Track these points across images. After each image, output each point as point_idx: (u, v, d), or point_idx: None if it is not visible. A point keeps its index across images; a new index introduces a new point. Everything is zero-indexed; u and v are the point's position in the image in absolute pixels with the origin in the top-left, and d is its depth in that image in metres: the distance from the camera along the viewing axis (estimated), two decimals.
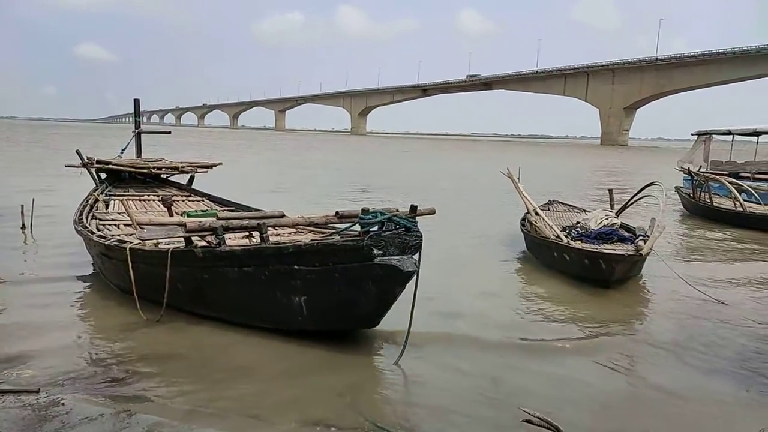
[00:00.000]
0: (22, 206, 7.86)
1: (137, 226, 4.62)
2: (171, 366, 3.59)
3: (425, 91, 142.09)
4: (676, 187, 13.42)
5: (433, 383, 3.48)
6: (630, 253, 5.58)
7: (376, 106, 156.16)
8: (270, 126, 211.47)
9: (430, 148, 61.84)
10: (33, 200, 8.00)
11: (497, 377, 3.60)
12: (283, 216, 4.44)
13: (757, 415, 3.20)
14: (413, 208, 3.84)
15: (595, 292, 5.55)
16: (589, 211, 7.86)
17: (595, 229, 6.46)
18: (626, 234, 6.30)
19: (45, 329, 4.17)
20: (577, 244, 5.99)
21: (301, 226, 5.10)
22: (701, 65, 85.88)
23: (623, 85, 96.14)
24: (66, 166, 7.51)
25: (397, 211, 3.86)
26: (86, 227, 5.52)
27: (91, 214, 6.37)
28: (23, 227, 7.73)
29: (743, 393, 3.47)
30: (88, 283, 5.44)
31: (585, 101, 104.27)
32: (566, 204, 9.10)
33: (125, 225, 5.97)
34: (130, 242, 4.61)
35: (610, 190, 8.12)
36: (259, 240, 4.01)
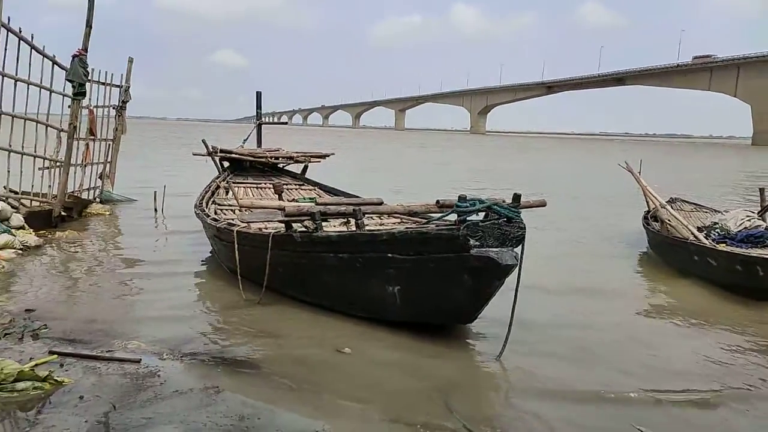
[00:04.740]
0: (155, 192, 8.56)
1: (240, 209, 4.74)
2: (265, 346, 3.57)
3: (550, 88, 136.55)
4: None
5: (531, 389, 3.12)
6: None
7: (497, 105, 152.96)
8: (390, 125, 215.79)
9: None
10: (165, 187, 8.68)
11: (607, 390, 3.16)
12: (381, 203, 4.31)
13: None
14: (516, 197, 3.50)
15: (747, 305, 4.77)
16: (719, 212, 6.89)
17: (735, 230, 5.60)
18: None
19: (158, 304, 4.39)
20: (724, 247, 5.22)
21: (401, 215, 4.94)
22: None
23: None
24: (193, 154, 8.03)
25: (503, 201, 3.56)
26: (204, 211, 5.81)
27: (212, 199, 6.73)
28: (155, 211, 8.42)
29: None
30: (204, 264, 5.73)
31: (734, 97, 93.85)
32: (691, 203, 8.10)
33: (240, 210, 6.21)
34: (239, 225, 4.74)
35: (762, 189, 7.04)
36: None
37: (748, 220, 5.77)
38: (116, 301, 4.42)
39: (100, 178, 9.27)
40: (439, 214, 3.88)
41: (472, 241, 3.25)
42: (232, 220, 5.46)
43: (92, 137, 8.73)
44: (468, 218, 3.33)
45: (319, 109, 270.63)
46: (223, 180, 7.56)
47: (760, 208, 6.56)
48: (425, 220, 4.66)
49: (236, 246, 4.39)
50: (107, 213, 8.14)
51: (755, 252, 5.06)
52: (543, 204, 3.98)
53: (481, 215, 3.43)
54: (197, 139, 8.22)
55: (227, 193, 7.15)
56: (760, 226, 5.72)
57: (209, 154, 7.80)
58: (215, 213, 6.03)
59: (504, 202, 3.54)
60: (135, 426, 2.52)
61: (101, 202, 8.92)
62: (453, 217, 3.48)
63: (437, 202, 3.89)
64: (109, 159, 9.39)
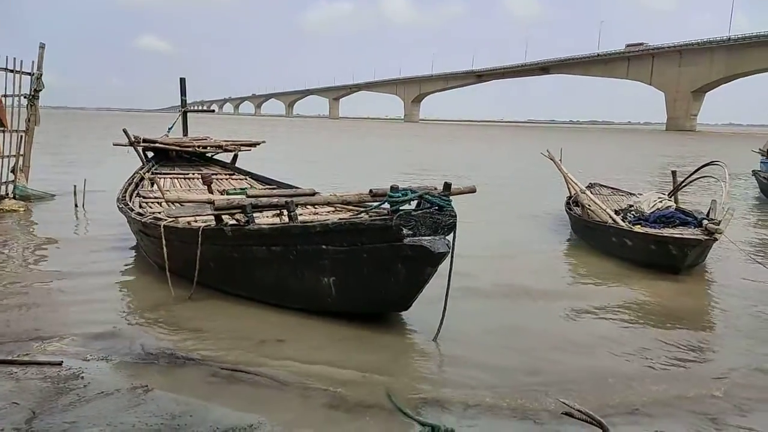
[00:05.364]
0: (75, 186, 8.10)
1: (166, 203, 4.57)
2: (197, 342, 3.48)
3: (480, 76, 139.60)
4: (753, 171, 12.62)
5: (466, 370, 3.22)
6: (704, 237, 5.11)
7: (430, 93, 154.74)
8: (324, 114, 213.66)
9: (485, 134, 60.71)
10: (84, 181, 8.22)
11: (540, 364, 3.32)
12: (314, 194, 4.28)
13: None
14: (447, 186, 3.58)
15: (661, 280, 5.11)
16: (634, 194, 7.36)
17: (648, 212, 5.99)
18: (687, 218, 5.79)
19: (80, 303, 4.18)
20: (639, 228, 5.56)
21: (336, 205, 4.93)
22: None
23: (691, 67, 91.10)
24: (114, 144, 7.64)
25: (435, 189, 3.62)
26: (127, 204, 5.55)
27: (136, 192, 6.44)
28: (75, 206, 7.97)
29: None
30: (130, 260, 5.48)
31: (650, 85, 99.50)
32: (609, 187, 8.60)
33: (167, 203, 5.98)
34: (166, 219, 4.58)
35: (674, 172, 7.54)
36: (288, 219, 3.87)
37: (660, 202, 6.16)
38: (34, 302, 4.15)
39: (13, 172, 8.65)
40: (373, 204, 3.90)
41: (405, 230, 3.30)
42: (159, 213, 5.26)
43: (2, 129, 8.13)
44: (400, 207, 3.37)
45: (250, 97, 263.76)
46: (148, 171, 7.25)
47: (670, 190, 7.04)
48: (359, 210, 4.68)
49: (163, 241, 4.24)
50: (22, 210, 7.62)
51: (667, 232, 5.42)
52: (473, 190, 4.08)
53: (414, 204, 3.49)
54: (119, 129, 7.82)
55: (152, 185, 6.86)
56: (670, 206, 6.13)
57: (131, 144, 7.44)
58: (140, 206, 5.78)
59: (435, 190, 3.60)
60: None
61: (16, 198, 8.33)
62: (386, 206, 3.52)
63: (370, 191, 3.91)
64: (21, 152, 8.76)
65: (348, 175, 14.63)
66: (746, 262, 5.70)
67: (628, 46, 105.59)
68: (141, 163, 7.52)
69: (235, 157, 8.08)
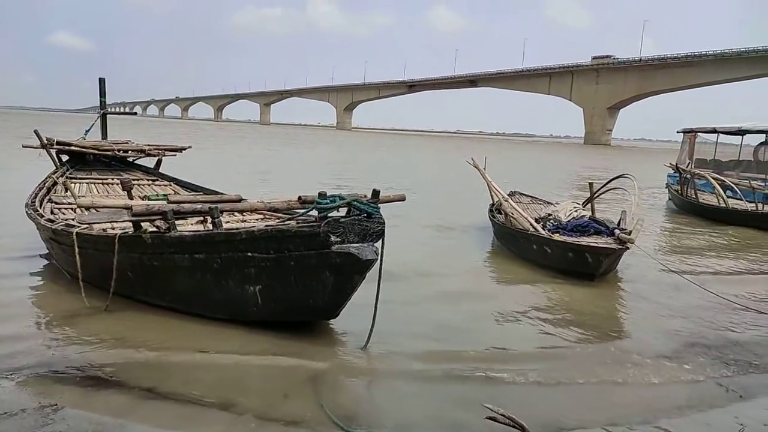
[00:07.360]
0: None
1: (79, 209, 4.29)
2: (113, 356, 3.29)
3: (411, 86, 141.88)
4: (666, 183, 13.68)
5: (396, 378, 3.25)
6: (618, 246, 5.41)
7: (363, 101, 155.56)
8: (255, 119, 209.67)
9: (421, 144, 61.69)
10: None
11: (464, 373, 3.39)
12: (240, 200, 4.16)
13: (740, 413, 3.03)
14: (375, 193, 3.60)
15: (577, 286, 5.36)
16: (552, 203, 7.75)
17: (565, 221, 6.31)
18: (600, 227, 6.15)
19: None
20: (559, 237, 5.83)
21: (264, 212, 4.84)
22: (684, 67, 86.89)
23: (607, 85, 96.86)
24: (23, 146, 7.12)
25: (364, 197, 3.63)
26: (37, 210, 5.20)
27: (47, 197, 6.04)
28: None
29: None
30: (39, 269, 5.12)
31: (570, 101, 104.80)
32: (528, 195, 9.01)
33: (81, 210, 5.65)
34: (78, 226, 4.31)
35: (591, 183, 7.99)
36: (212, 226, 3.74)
37: (575, 211, 6.52)
38: None
39: None
40: (301, 211, 3.86)
41: (333, 238, 3.27)
42: (72, 220, 4.96)
43: None
44: (329, 214, 3.36)
45: (175, 100, 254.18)
46: (62, 175, 6.81)
47: (584, 199, 7.45)
48: (287, 217, 4.61)
49: (76, 250, 3.99)
50: None
51: (583, 240, 5.72)
52: (402, 198, 4.11)
53: (343, 211, 3.48)
54: (30, 130, 7.31)
55: (66, 190, 6.45)
56: (584, 215, 6.50)
57: (44, 146, 6.96)
58: (52, 213, 5.42)
59: (364, 197, 3.60)
60: None
61: None
62: (314, 213, 3.49)
63: (299, 198, 3.86)
64: None
65: (279, 182, 14.41)
66: (654, 267, 6.10)
67: (594, 58, 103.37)
68: (55, 167, 7.05)
69: (159, 162, 7.75)
